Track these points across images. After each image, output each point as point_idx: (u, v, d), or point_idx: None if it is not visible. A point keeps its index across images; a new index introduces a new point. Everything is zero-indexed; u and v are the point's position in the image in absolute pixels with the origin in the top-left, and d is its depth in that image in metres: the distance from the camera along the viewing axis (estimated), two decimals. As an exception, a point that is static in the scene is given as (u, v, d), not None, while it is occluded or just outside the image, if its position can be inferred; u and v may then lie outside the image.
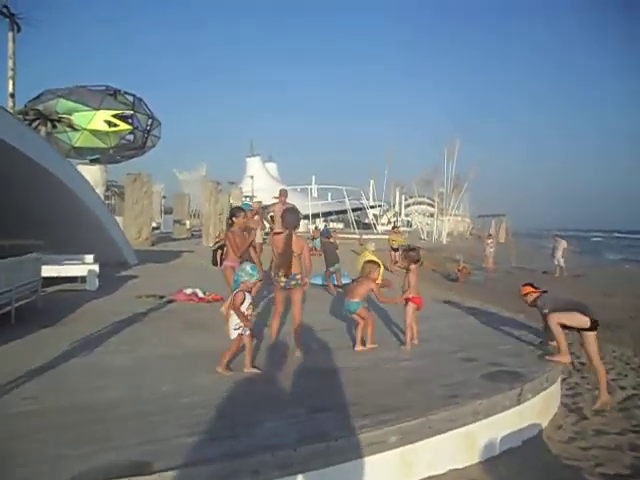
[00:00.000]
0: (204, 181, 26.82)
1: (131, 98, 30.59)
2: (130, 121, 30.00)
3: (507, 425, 3.89)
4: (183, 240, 26.13)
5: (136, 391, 3.71)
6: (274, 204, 10.72)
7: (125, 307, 7.07)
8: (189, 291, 8.09)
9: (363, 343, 5.05)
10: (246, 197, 34.83)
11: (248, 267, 4.22)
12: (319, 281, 10.17)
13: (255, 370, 4.17)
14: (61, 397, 3.55)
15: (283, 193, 10.88)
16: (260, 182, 53.45)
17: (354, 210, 51.58)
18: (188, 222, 33.01)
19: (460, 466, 3.54)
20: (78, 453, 2.67)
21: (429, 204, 69.15)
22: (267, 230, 12.94)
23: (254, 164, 62.87)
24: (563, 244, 18.01)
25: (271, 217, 10.57)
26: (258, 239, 11.00)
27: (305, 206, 57.67)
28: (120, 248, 12.64)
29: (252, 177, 53.06)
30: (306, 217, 54.61)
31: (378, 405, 3.51)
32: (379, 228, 48.29)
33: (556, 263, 17.97)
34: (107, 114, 29.42)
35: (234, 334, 4.10)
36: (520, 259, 24.35)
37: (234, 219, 6.19)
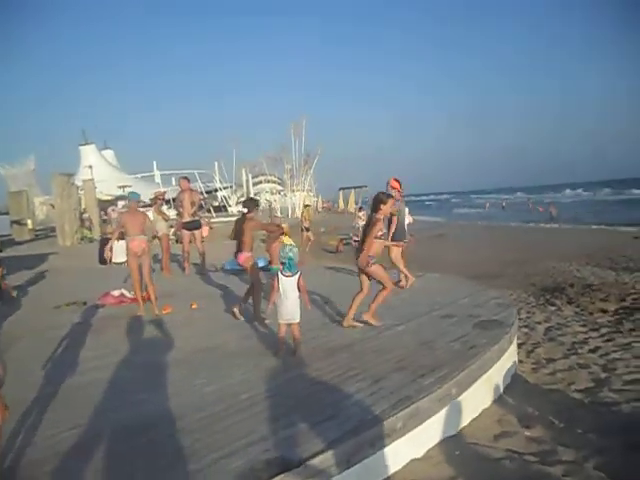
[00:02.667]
0: (58, 176, 23.94)
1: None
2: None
3: (505, 366, 4.53)
4: (30, 242, 23.25)
5: (185, 397, 3.54)
6: (181, 192, 10.33)
7: (55, 319, 6.38)
8: (116, 293, 7.51)
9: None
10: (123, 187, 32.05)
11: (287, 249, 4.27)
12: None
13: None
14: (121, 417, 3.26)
15: (184, 181, 10.56)
16: (99, 171, 49.27)
17: (207, 193, 50.43)
18: (30, 222, 29.27)
19: (487, 406, 4.08)
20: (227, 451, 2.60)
21: (276, 182, 70.21)
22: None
23: (89, 153, 57.40)
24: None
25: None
26: (163, 230, 10.51)
27: (151, 193, 54.60)
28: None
29: (91, 167, 48.63)
30: (150, 205, 51.91)
31: (421, 366, 3.85)
32: (230, 209, 47.94)
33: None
34: None
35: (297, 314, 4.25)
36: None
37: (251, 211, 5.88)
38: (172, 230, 13.47)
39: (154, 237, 11.16)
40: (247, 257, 5.66)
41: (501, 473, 3.13)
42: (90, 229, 23.84)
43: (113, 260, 12.77)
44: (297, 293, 4.28)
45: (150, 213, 10.86)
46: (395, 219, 7.12)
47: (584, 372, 5.00)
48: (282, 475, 2.47)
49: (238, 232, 5.73)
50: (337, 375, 3.79)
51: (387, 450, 3.00)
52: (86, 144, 59.58)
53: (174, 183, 58.87)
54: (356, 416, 3.06)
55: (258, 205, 6.25)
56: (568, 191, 78.03)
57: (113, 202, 32.87)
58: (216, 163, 61.15)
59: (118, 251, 12.67)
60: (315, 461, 2.60)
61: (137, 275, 6.56)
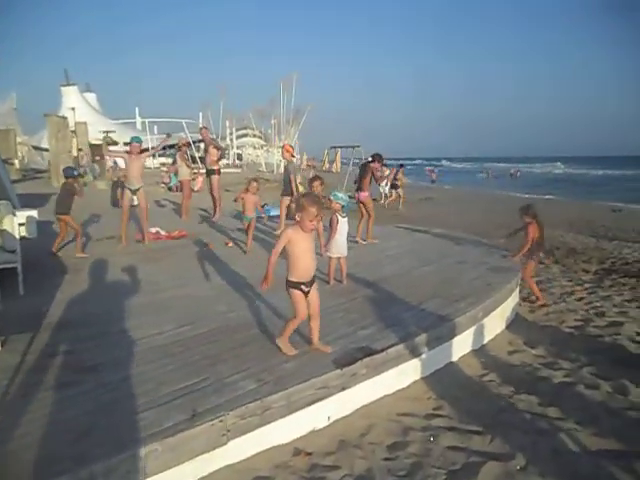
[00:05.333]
0: (53, 117, 23.78)
1: None
2: None
3: (512, 303, 5.48)
4: (21, 182, 23.23)
5: (269, 309, 4.35)
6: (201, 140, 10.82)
7: (105, 249, 7.06)
8: (153, 230, 8.19)
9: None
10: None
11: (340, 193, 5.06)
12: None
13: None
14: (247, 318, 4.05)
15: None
16: (81, 114, 48.27)
17: (193, 143, 50.07)
18: (17, 161, 29.04)
19: (499, 331, 5.03)
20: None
21: (260, 136, 69.63)
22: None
23: (71, 94, 55.89)
24: (386, 173, 19.19)
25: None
26: (185, 176, 11.09)
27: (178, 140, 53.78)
28: (7, 191, 11.38)
29: (73, 109, 47.55)
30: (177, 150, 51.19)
31: (451, 295, 4.74)
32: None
33: (381, 191, 19.25)
34: None
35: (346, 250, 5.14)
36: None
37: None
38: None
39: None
40: (366, 195, 7.69)
41: (517, 374, 4.08)
42: (86, 172, 23.93)
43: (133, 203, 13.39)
44: (346, 232, 5.09)
45: (177, 159, 11.45)
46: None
47: (572, 314, 5.97)
48: (370, 357, 3.33)
49: (361, 176, 7.86)
50: (385, 298, 4.66)
51: (436, 350, 3.89)
52: (68, 85, 57.92)
53: (156, 131, 58.10)
54: (413, 324, 3.94)
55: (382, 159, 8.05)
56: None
57: (103, 147, 32.71)
58: (200, 114, 60.31)
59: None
60: (391, 350, 3.47)
61: (126, 219, 7.59)
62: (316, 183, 6.03)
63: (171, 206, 13.27)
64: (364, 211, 7.78)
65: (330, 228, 5.08)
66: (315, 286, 3.31)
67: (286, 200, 8.39)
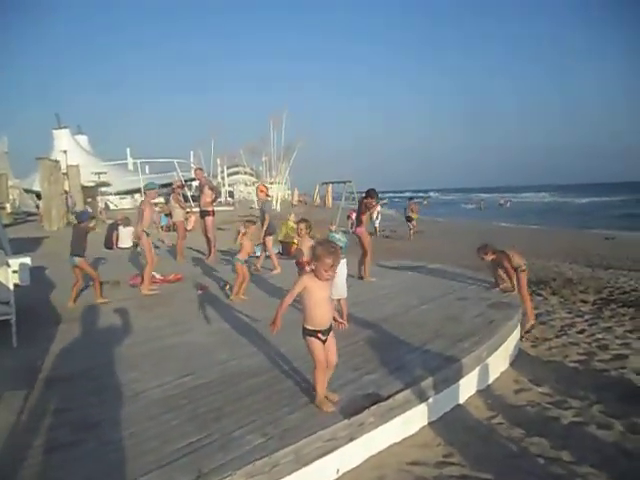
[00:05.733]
0: (46, 161, 23.88)
1: None
2: None
3: (515, 339, 5.43)
4: (12, 226, 23.12)
5: (265, 355, 4.28)
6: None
7: (104, 294, 6.96)
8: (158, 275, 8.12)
9: None
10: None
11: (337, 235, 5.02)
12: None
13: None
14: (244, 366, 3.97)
15: (199, 171, 11.13)
16: (73, 157, 48.64)
17: (185, 182, 50.30)
18: (9, 205, 29.00)
19: (504, 369, 4.96)
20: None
21: (251, 174, 70.32)
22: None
23: (63, 137, 56.43)
24: (377, 208, 19.86)
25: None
26: (179, 217, 11.09)
27: (127, 181, 54.29)
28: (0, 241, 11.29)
29: (65, 152, 47.91)
30: (127, 193, 51.58)
31: (455, 334, 4.69)
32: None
33: (376, 225, 20.36)
34: None
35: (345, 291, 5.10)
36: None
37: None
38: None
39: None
40: (362, 230, 7.78)
41: (526, 414, 4.00)
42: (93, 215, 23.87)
43: (119, 245, 13.33)
44: (346, 273, 5.05)
45: (171, 201, 11.49)
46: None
47: (575, 348, 5.92)
48: (377, 405, 3.26)
49: (360, 212, 7.93)
50: (388, 340, 4.60)
51: (443, 393, 3.82)
52: (60, 128, 58.51)
53: (147, 171, 58.53)
54: (418, 367, 3.87)
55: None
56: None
57: (94, 188, 32.80)
58: (192, 152, 61.02)
59: (124, 237, 13.22)
60: (399, 396, 3.40)
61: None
62: (302, 226, 5.97)
63: (164, 247, 13.21)
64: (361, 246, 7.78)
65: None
66: (332, 334, 3.25)
67: (269, 240, 8.54)
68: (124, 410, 3.26)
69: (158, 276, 8.18)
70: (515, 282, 6.59)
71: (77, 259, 6.40)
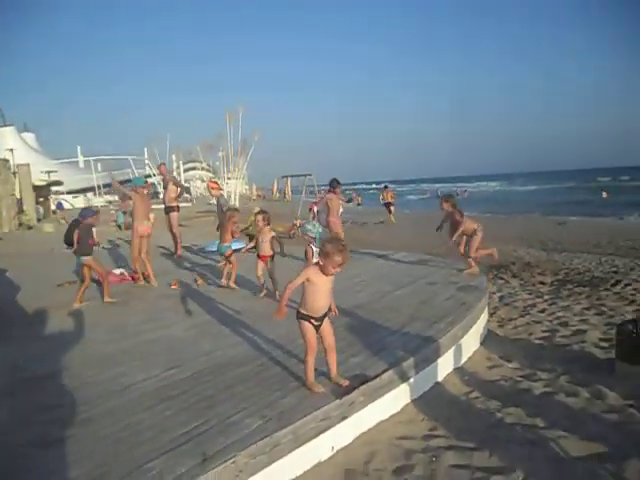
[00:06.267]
0: None
1: None
2: None
3: (484, 319, 5.70)
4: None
5: (251, 344, 4.35)
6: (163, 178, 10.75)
7: (69, 296, 6.82)
8: (117, 272, 8.00)
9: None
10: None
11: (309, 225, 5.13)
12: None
13: None
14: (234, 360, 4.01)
15: (163, 167, 10.99)
16: (20, 155, 46.74)
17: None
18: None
19: (476, 348, 5.21)
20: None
21: (208, 169, 69.45)
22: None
23: (8, 135, 54.23)
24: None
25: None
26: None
27: (79, 179, 52.61)
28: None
29: (11, 150, 45.95)
30: (79, 191, 50.07)
31: (430, 316, 4.90)
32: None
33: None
34: None
35: None
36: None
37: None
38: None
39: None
40: (333, 221, 8.38)
41: (500, 388, 4.24)
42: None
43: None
44: None
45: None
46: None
47: (539, 326, 6.25)
48: (366, 385, 3.40)
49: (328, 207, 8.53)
50: (367, 325, 4.75)
51: (424, 372, 4.00)
52: (5, 126, 56.17)
53: (100, 169, 56.88)
54: (399, 348, 4.04)
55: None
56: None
57: (45, 188, 31.62)
58: (146, 149, 59.69)
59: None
60: (384, 376, 3.56)
61: (137, 254, 7.22)
62: (259, 217, 6.08)
63: (126, 246, 12.95)
64: (333, 235, 8.04)
65: (306, 259, 5.17)
66: (327, 320, 3.35)
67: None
68: (115, 404, 3.27)
69: (127, 274, 8.06)
70: (464, 244, 7.14)
71: (85, 258, 6.21)
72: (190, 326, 5.06)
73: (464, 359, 4.79)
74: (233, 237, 6.78)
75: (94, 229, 12.89)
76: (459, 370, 4.60)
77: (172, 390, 3.44)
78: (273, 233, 6.05)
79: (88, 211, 6.67)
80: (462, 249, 7.19)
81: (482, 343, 5.42)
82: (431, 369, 4.12)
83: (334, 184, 8.69)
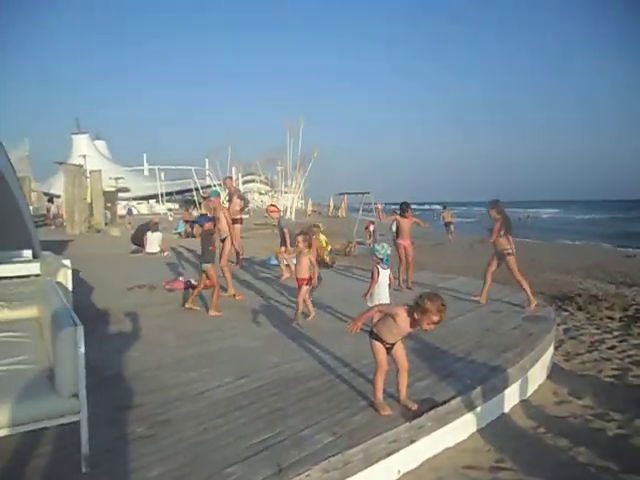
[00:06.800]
0: (70, 166, 24.41)
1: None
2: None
3: (551, 352, 5.55)
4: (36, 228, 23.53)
5: (312, 361, 4.43)
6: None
7: (142, 298, 7.16)
8: (181, 279, 8.31)
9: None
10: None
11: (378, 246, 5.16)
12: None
13: None
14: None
15: (229, 180, 11.34)
16: (92, 162, 49.53)
17: (202, 188, 50.89)
18: (31, 208, 29.49)
19: (542, 381, 5.07)
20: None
21: (266, 182, 70.97)
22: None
23: (82, 142, 57.59)
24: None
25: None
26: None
27: (144, 187, 54.92)
28: (34, 241, 11.58)
29: (85, 156, 48.79)
30: (144, 198, 52.30)
31: (496, 345, 4.83)
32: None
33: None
34: None
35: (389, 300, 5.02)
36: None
37: None
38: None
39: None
40: (409, 243, 8.16)
41: (570, 425, 4.12)
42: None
43: (147, 250, 13.59)
44: (389, 282, 5.20)
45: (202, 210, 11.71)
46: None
47: (608, 363, 6.01)
48: (435, 409, 3.40)
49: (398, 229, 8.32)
50: (433, 349, 4.74)
51: (491, 402, 3.95)
52: (79, 133, 59.80)
53: (163, 177, 59.20)
54: (466, 375, 4.01)
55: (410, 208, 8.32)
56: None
57: (114, 194, 33.25)
58: (207, 160, 61.75)
59: (153, 242, 13.47)
60: (453, 402, 3.54)
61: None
62: (299, 238, 5.86)
63: (188, 253, 13.43)
64: (404, 258, 8.13)
65: (371, 279, 5.21)
66: (401, 341, 3.39)
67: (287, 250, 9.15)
68: (191, 408, 3.42)
69: (194, 282, 8.34)
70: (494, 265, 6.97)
71: (206, 265, 6.38)
72: (256, 337, 5.21)
73: (530, 392, 4.68)
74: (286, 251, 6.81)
75: (160, 236, 13.50)
76: (525, 403, 4.50)
77: (244, 399, 3.56)
78: (312, 257, 5.90)
79: (204, 217, 6.85)
80: (490, 270, 6.96)
81: (548, 376, 5.27)
82: (498, 399, 4.06)
83: (404, 207, 8.65)
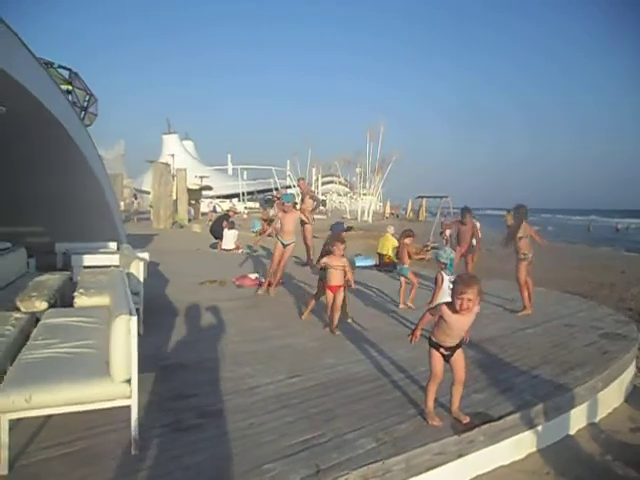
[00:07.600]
0: (158, 164, 25.97)
1: (66, 73, 28.39)
2: (69, 97, 27.92)
3: (631, 373, 5.11)
4: (125, 222, 25.17)
5: (370, 364, 4.38)
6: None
7: (212, 293, 7.44)
8: (253, 276, 8.53)
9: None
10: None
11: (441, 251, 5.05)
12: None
13: None
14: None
15: (302, 181, 11.50)
16: (180, 160, 52.25)
17: (277, 189, 52.12)
18: (122, 204, 31.68)
19: (618, 405, 4.68)
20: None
21: (344, 184, 71.40)
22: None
23: (171, 142, 60.92)
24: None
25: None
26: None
27: (227, 186, 57.08)
28: (120, 234, 12.38)
29: (173, 155, 51.50)
30: (226, 197, 54.35)
31: (564, 362, 4.52)
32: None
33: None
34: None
35: None
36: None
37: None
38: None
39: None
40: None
41: (644, 455, 3.76)
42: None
43: (223, 247, 14.10)
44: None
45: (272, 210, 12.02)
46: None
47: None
48: (489, 424, 3.24)
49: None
50: (495, 361, 4.53)
51: (554, 422, 3.70)
52: (169, 133, 63.33)
53: (246, 177, 61.24)
54: (527, 391, 3.79)
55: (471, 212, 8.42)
56: None
57: (197, 191, 34.81)
58: (288, 161, 63.19)
59: (229, 239, 13.95)
60: (509, 418, 3.36)
61: (276, 265, 7.54)
62: (340, 246, 5.45)
63: (262, 251, 13.77)
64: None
65: (435, 285, 5.09)
66: (461, 351, 3.28)
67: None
68: (241, 402, 3.51)
69: (262, 279, 8.54)
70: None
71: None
72: (315, 337, 5.24)
73: (602, 414, 4.34)
74: (410, 258, 6.69)
75: (236, 233, 13.93)
76: (594, 426, 4.17)
77: (293, 398, 3.59)
78: (344, 262, 5.51)
79: (339, 225, 7.13)
80: (522, 278, 6.52)
81: (626, 400, 4.86)
82: (562, 419, 3.80)
83: (464, 213, 8.47)
